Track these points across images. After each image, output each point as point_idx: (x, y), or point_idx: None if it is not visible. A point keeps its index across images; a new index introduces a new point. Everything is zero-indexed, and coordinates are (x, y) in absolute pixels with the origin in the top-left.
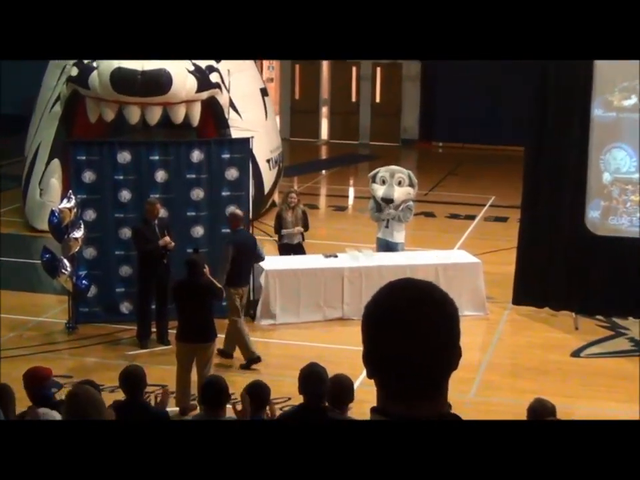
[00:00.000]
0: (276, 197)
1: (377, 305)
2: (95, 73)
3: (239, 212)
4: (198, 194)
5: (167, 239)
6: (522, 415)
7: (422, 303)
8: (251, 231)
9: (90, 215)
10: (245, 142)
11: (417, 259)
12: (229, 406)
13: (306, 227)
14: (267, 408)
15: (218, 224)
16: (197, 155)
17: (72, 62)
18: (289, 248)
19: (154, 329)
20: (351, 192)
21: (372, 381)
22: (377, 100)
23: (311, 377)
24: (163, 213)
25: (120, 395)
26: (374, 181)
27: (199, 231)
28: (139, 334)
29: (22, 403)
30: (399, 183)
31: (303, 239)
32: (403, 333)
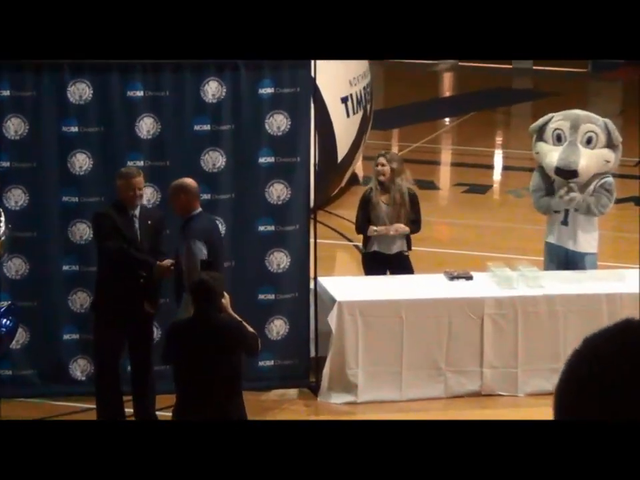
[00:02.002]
0: (359, 168)
1: (594, 360)
2: None
3: (191, 182)
4: (215, 160)
5: (167, 262)
6: None
7: None
8: (313, 228)
9: (16, 198)
10: (302, 66)
11: (620, 284)
12: None
13: (416, 223)
14: None
15: (251, 216)
16: (213, 89)
17: None
18: (381, 261)
19: (129, 409)
20: (498, 158)
21: None
22: None
23: None
24: (150, 196)
25: None
26: (541, 138)
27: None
28: (102, 417)
29: None
30: (588, 142)
31: (409, 247)
32: None
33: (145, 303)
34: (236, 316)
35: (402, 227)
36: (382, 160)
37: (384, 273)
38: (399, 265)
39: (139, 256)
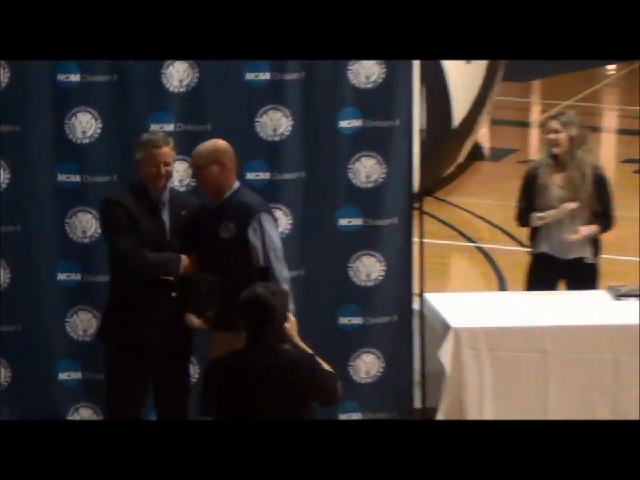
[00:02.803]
0: (484, 136)
1: None
2: None
3: (227, 144)
4: (276, 124)
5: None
6: None
7: None
8: (418, 223)
9: None
10: None
11: None
12: None
13: (604, 218)
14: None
15: (329, 204)
16: None
17: None
18: (553, 268)
19: None
20: None
21: None
22: None
23: None
24: (183, 174)
25: None
26: None
27: (278, 220)
28: None
29: None
30: None
31: (597, 252)
32: None
33: (187, 316)
34: (306, 347)
35: (590, 229)
36: (555, 124)
37: (554, 286)
38: (579, 276)
39: (158, 257)
